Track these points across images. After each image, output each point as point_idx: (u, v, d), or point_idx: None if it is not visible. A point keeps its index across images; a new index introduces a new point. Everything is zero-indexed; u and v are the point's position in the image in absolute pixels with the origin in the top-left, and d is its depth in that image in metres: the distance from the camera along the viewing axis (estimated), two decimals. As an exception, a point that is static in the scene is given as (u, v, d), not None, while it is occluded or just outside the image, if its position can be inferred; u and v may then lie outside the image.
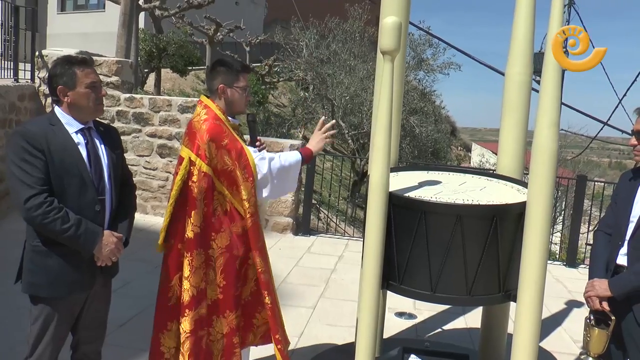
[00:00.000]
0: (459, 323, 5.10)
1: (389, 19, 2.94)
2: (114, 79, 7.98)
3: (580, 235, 8.19)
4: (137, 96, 8.09)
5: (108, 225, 2.76)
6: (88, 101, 2.68)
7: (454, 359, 3.65)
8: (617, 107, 13.77)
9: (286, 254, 6.87)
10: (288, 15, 23.64)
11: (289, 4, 23.16)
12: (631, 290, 2.75)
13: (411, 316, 5.16)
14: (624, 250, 2.83)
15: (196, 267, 2.96)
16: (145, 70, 14.88)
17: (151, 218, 7.88)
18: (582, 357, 3.00)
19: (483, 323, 4.03)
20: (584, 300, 3.04)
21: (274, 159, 3.13)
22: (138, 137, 7.92)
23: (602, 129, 14.93)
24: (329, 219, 11.00)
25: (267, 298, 3.11)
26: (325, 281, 6.05)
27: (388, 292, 4.12)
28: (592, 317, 2.96)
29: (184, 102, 7.90)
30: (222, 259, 3.01)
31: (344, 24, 17.20)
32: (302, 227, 7.94)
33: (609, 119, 13.65)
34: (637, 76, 12.40)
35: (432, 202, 3.01)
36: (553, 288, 6.26)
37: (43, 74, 8.19)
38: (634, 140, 2.80)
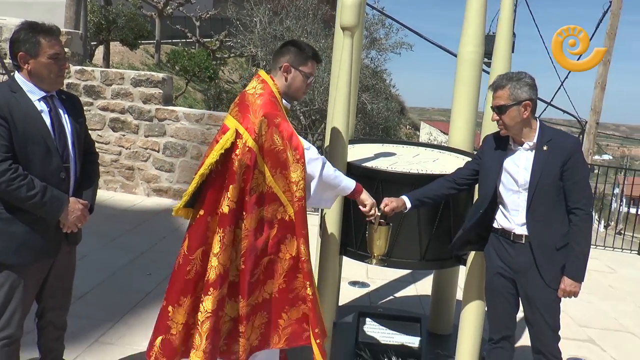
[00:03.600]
0: (410, 291, 5.32)
1: (349, -3, 3.05)
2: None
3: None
4: (89, 69, 7.92)
5: (73, 192, 2.78)
6: (49, 72, 2.66)
7: (407, 322, 3.85)
8: (559, 88, 14.24)
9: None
10: (240, -10, 23.33)
11: (240, -22, 22.86)
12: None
13: (364, 285, 5.35)
14: (519, 220, 2.93)
15: (226, 245, 2.75)
16: (93, 43, 14.49)
17: (104, 192, 7.78)
18: (367, 262, 3.12)
19: (434, 290, 4.25)
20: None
21: (327, 164, 2.91)
22: (90, 111, 7.77)
23: (545, 109, 15.46)
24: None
25: (309, 289, 2.86)
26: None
27: (342, 262, 4.30)
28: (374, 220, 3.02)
29: (137, 76, 7.79)
30: (246, 241, 2.79)
31: (297, 0, 17.17)
32: (256, 201, 8.00)
33: (551, 100, 14.13)
34: (578, 59, 12.84)
35: (389, 172, 3.16)
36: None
37: (-13, 43, 7.93)
38: (495, 116, 2.92)
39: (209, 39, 22.63)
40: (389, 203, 2.98)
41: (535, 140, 2.89)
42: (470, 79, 3.83)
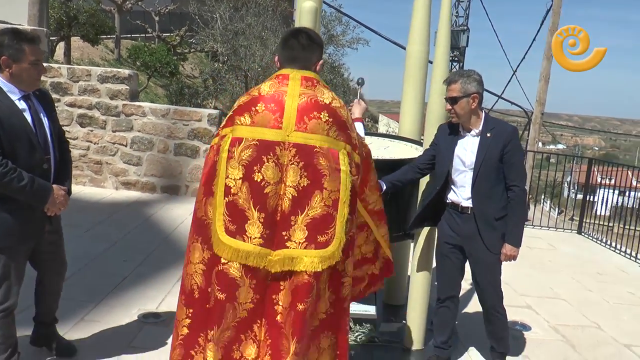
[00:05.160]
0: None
1: (306, 4, 3.49)
2: (29, 48, 7.93)
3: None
4: (55, 66, 8.12)
5: (54, 180, 3.10)
6: (29, 76, 2.95)
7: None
8: (509, 81, 15.01)
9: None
10: (198, -15, 23.37)
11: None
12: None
13: (326, 265, 5.77)
14: (466, 195, 3.44)
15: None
16: (53, 39, 14.48)
17: (73, 187, 8.00)
18: None
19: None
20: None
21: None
22: (57, 107, 7.92)
23: (497, 101, 16.22)
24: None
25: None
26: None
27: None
28: None
29: (104, 72, 8.03)
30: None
31: (257, -3, 17.53)
32: (222, 192, 8.32)
33: (502, 92, 14.85)
34: (527, 52, 13.59)
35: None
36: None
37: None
38: (448, 106, 3.43)
39: (168, 34, 22.69)
40: None
41: (480, 128, 3.42)
42: (417, 74, 4.27)
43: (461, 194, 3.48)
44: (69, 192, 3.20)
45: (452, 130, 3.53)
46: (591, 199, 10.58)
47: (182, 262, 5.28)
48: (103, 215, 6.82)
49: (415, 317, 3.94)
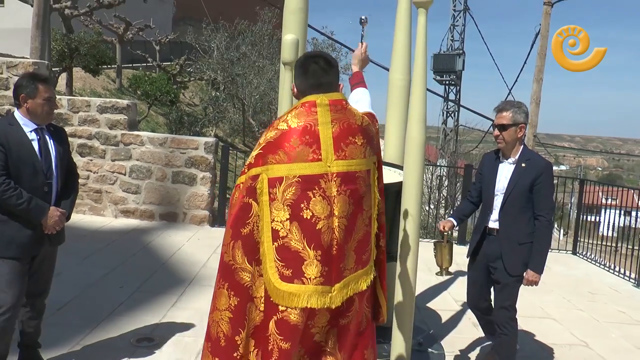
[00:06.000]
0: (360, 292, 5.87)
1: (288, 37, 3.65)
2: (30, 81, 8.16)
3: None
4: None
5: (54, 202, 3.46)
6: (42, 110, 3.41)
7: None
8: (506, 97, 15.20)
9: (204, 244, 7.40)
10: (197, 13, 23.84)
11: (197, 2, 23.37)
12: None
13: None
14: (494, 217, 3.75)
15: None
16: (55, 70, 14.77)
17: (73, 215, 8.10)
18: (437, 274, 3.83)
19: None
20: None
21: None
22: (57, 138, 8.17)
23: (491, 125, 16.41)
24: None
25: None
26: (243, 264, 6.65)
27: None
28: (441, 240, 3.87)
29: (103, 103, 8.24)
30: None
31: (253, 26, 17.81)
32: (217, 219, 8.49)
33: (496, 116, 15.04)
34: (519, 75, 13.79)
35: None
36: (443, 262, 7.25)
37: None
38: (496, 132, 3.72)
39: (168, 63, 23.03)
40: (445, 224, 3.80)
41: (517, 157, 3.70)
42: (399, 102, 4.43)
43: (491, 216, 3.76)
44: (68, 216, 3.52)
45: (494, 158, 3.84)
46: (589, 219, 10.69)
47: (178, 287, 5.51)
48: (102, 243, 6.95)
49: (401, 338, 4.02)
